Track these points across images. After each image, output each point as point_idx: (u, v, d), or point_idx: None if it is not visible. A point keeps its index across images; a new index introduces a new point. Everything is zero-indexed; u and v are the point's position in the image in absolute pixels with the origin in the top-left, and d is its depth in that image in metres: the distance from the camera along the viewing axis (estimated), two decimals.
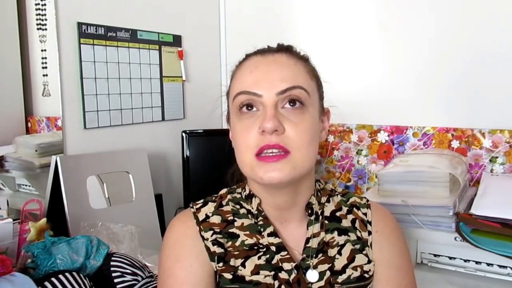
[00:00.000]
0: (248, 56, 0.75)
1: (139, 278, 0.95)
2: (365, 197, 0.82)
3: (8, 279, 0.81)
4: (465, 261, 1.20)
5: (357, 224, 0.77)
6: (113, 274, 0.94)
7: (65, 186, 1.24)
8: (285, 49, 0.74)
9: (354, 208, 0.79)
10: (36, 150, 1.36)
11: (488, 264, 1.17)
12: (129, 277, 0.94)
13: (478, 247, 1.09)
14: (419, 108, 1.56)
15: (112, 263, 0.96)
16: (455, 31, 1.47)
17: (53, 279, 0.86)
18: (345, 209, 0.78)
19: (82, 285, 0.89)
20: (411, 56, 1.55)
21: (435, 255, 1.25)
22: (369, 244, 0.76)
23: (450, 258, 1.23)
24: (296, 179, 0.68)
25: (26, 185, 1.39)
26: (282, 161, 0.65)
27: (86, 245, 0.97)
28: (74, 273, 0.90)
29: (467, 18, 1.45)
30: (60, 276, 0.87)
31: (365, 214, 0.78)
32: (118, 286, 0.93)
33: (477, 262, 1.19)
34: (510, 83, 1.40)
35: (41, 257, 0.93)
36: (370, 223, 0.77)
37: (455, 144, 1.50)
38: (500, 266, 1.15)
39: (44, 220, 1.04)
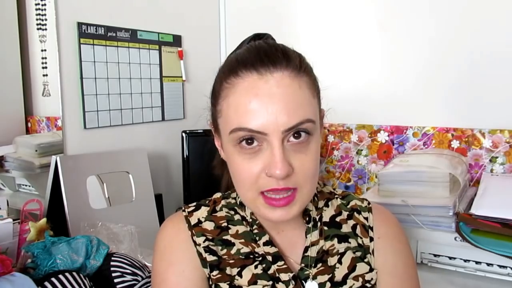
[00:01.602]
0: (238, 69, 0.63)
1: (139, 278, 0.95)
2: (366, 200, 0.78)
3: (8, 279, 0.81)
4: (465, 261, 1.20)
5: (358, 230, 0.73)
6: (113, 274, 0.94)
7: (65, 186, 1.24)
8: (285, 63, 0.62)
9: (355, 213, 0.75)
10: (36, 150, 1.36)
11: (488, 264, 1.17)
12: (129, 277, 0.94)
13: (478, 247, 1.09)
14: (419, 108, 1.56)
15: (112, 263, 0.96)
16: (455, 31, 1.47)
17: (53, 279, 0.86)
18: (345, 213, 0.75)
19: (82, 285, 0.89)
20: (411, 56, 1.55)
21: (435, 255, 1.25)
22: (370, 251, 0.72)
23: (450, 258, 1.23)
24: (300, 211, 0.66)
25: (26, 185, 1.39)
26: (290, 204, 0.62)
27: (86, 245, 0.97)
28: (74, 273, 0.90)
29: (467, 18, 1.45)
30: (60, 276, 0.87)
31: (366, 218, 0.74)
32: (118, 286, 0.93)
33: (477, 262, 1.18)
34: (510, 83, 1.40)
35: (41, 257, 0.93)
36: (372, 228, 0.73)
37: (455, 144, 1.50)
38: (500, 266, 1.15)
39: (44, 220, 1.04)
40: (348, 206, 0.76)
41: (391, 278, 0.72)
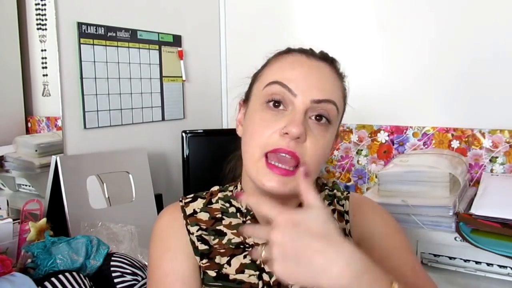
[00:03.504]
0: (291, 50, 0.72)
1: (139, 278, 0.95)
2: (347, 191, 0.82)
3: (8, 279, 0.81)
4: (465, 261, 1.20)
5: (335, 216, 0.76)
6: (113, 274, 0.94)
7: (65, 186, 1.24)
8: (330, 61, 0.71)
9: (335, 200, 0.79)
10: (36, 150, 1.36)
11: (488, 264, 1.17)
12: (129, 277, 0.94)
13: (478, 247, 1.09)
14: (419, 108, 1.56)
15: (112, 263, 0.96)
16: (455, 31, 1.47)
17: (53, 279, 0.86)
18: (326, 202, 0.78)
19: (82, 285, 0.89)
20: (411, 56, 1.55)
21: (435, 255, 1.25)
22: (347, 232, 0.75)
23: (450, 258, 1.23)
24: (294, 193, 0.66)
25: (26, 185, 1.39)
26: (288, 177, 0.63)
27: (86, 245, 0.97)
28: (74, 273, 0.90)
29: (467, 18, 1.45)
30: (60, 276, 0.87)
31: (342, 205, 0.78)
32: (118, 286, 0.93)
33: (477, 262, 1.19)
34: (510, 83, 1.40)
35: (41, 257, 0.93)
36: (347, 212, 0.77)
37: (455, 144, 1.50)
38: (500, 266, 1.15)
39: (44, 220, 1.04)
40: (330, 196, 0.80)
41: (377, 237, 0.74)
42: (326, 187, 0.81)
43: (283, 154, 0.63)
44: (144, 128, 1.64)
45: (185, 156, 1.63)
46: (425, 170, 1.26)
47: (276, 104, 0.65)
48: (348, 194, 0.80)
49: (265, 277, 0.69)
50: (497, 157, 1.44)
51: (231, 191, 0.77)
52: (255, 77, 0.73)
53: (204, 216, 0.74)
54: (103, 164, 1.37)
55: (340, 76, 0.72)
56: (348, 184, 1.70)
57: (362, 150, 1.67)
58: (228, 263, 0.70)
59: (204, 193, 0.78)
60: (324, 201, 0.78)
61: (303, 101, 0.64)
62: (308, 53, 0.70)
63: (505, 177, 1.37)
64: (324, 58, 0.71)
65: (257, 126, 0.66)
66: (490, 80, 1.42)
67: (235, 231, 0.73)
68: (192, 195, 0.78)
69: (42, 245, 0.96)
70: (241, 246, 0.71)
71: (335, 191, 0.81)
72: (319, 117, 0.66)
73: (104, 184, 1.37)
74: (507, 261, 1.12)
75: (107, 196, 1.37)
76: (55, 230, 1.05)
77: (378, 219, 0.77)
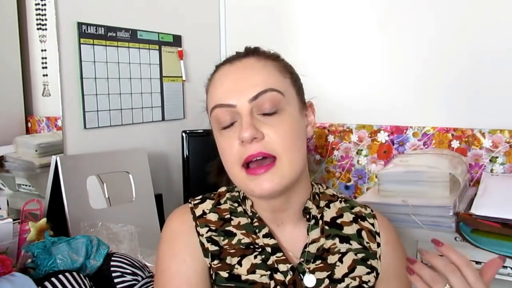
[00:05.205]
0: (217, 67, 0.75)
1: (139, 278, 0.95)
2: (368, 207, 0.81)
3: (8, 279, 0.81)
4: None
5: (364, 235, 0.75)
6: (113, 274, 0.94)
7: (65, 186, 1.24)
8: (252, 52, 0.73)
9: (359, 219, 0.77)
10: (36, 150, 1.36)
11: None
12: (129, 277, 0.94)
13: (478, 247, 1.09)
14: (419, 108, 1.56)
15: (112, 263, 0.96)
16: (455, 31, 1.47)
17: (53, 279, 0.86)
18: (350, 216, 0.77)
19: (82, 285, 0.89)
20: (411, 56, 1.56)
21: None
22: (378, 256, 0.75)
23: None
24: (287, 186, 0.67)
25: (26, 185, 1.39)
26: (270, 171, 0.65)
27: (86, 245, 0.97)
28: (74, 273, 0.90)
29: (467, 18, 1.45)
30: (60, 276, 0.87)
31: (372, 224, 0.77)
32: (118, 286, 0.93)
33: (477, 262, 1.18)
34: (510, 83, 1.40)
35: (41, 257, 0.93)
36: (378, 234, 0.76)
37: (455, 144, 1.50)
38: None
39: (44, 220, 1.04)
40: (353, 211, 0.78)
41: (395, 280, 0.75)
42: (339, 199, 0.80)
43: (255, 159, 0.65)
44: (144, 128, 1.64)
45: (185, 156, 1.63)
46: (425, 170, 1.26)
47: (227, 124, 0.68)
48: (373, 212, 0.80)
49: (279, 276, 0.69)
50: (497, 157, 1.44)
51: (238, 191, 0.78)
52: (207, 107, 0.75)
53: (213, 217, 0.74)
54: (103, 164, 1.37)
55: (270, 58, 0.72)
56: (348, 184, 1.70)
57: (362, 150, 1.67)
58: (239, 263, 0.70)
59: (212, 194, 0.79)
60: (344, 215, 0.77)
61: (242, 105, 0.66)
62: (232, 59, 0.73)
63: (505, 177, 1.37)
64: (247, 53, 0.73)
65: (224, 150, 0.69)
66: (490, 80, 1.42)
67: (244, 231, 0.73)
68: (200, 197, 0.78)
69: (42, 245, 0.96)
70: (251, 247, 0.71)
71: (356, 207, 0.79)
72: (266, 110, 0.67)
73: (104, 184, 1.37)
74: (507, 261, 1.12)
75: (107, 196, 1.37)
76: (55, 230, 1.05)
77: (402, 262, 0.75)
